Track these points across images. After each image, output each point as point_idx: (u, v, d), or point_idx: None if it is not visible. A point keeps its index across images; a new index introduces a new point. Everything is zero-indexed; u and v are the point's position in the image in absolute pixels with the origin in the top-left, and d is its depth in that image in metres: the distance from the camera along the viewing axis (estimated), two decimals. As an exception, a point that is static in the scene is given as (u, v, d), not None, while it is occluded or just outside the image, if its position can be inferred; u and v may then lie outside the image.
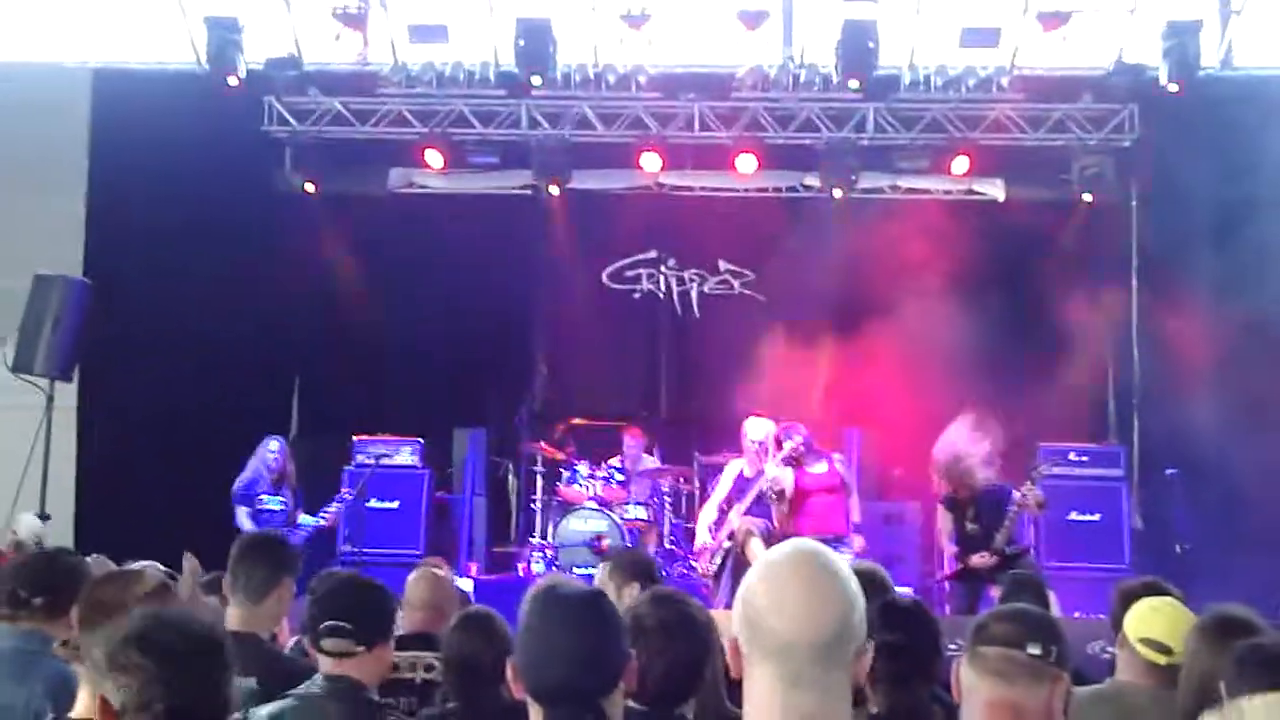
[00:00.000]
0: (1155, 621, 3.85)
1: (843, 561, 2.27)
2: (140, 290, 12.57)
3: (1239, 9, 12.63)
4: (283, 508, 10.76)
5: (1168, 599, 4.12)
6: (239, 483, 10.88)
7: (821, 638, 2.16)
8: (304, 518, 10.90)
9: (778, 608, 2.18)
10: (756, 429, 10.03)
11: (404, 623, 5.09)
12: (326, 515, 10.92)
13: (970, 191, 13.39)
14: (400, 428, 12.30)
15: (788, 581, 2.20)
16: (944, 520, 9.60)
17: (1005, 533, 9.10)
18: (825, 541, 8.68)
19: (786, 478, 9.72)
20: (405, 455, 12.18)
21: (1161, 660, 3.81)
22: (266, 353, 12.77)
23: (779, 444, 9.79)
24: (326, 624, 3.73)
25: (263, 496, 10.76)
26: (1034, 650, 2.70)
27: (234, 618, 4.45)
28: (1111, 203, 13.09)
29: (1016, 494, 9.23)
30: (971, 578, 9.16)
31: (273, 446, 11.03)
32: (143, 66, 13.55)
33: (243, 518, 10.66)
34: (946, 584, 9.81)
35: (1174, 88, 12.12)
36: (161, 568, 4.98)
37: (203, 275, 12.43)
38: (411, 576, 5.30)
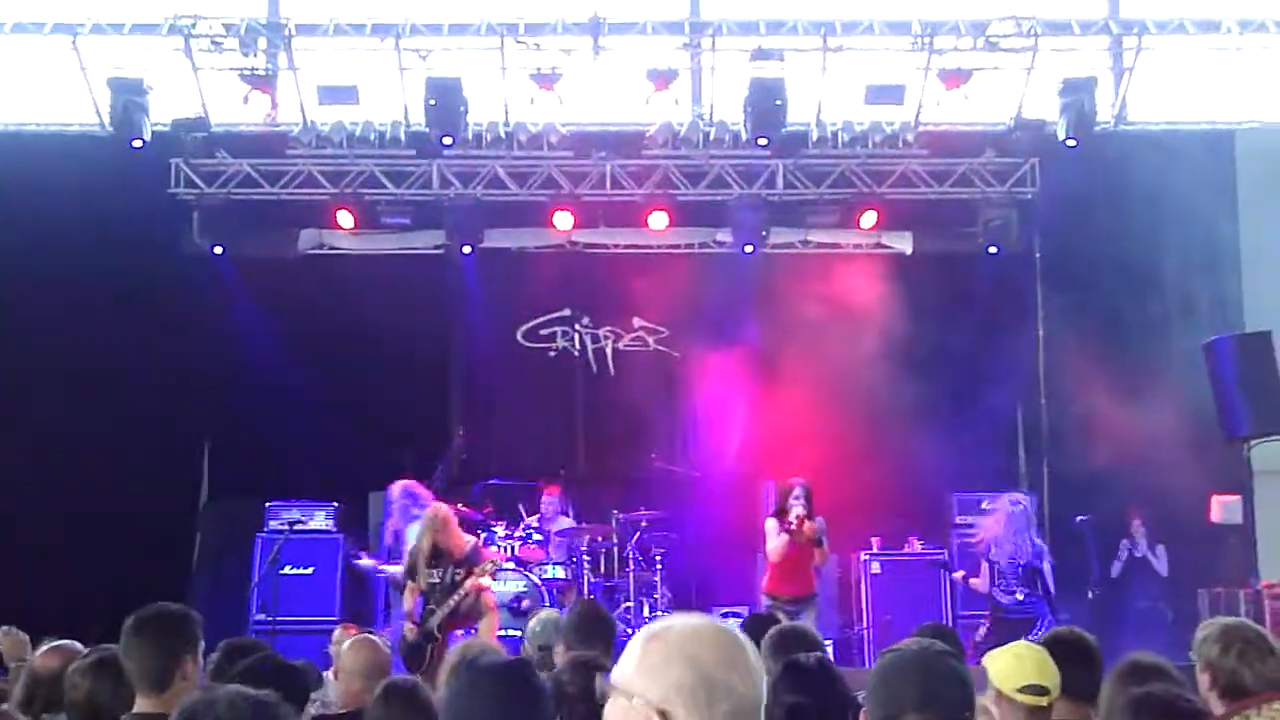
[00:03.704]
0: (1025, 668, 3.88)
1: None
2: (45, 356, 12.31)
3: (1131, 66, 13.02)
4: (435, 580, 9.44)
5: (1022, 643, 4.17)
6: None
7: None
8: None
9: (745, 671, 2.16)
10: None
11: (340, 695, 4.97)
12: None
13: (879, 245, 13.61)
14: (314, 492, 12.14)
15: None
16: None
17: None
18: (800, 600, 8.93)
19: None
20: (320, 520, 12.02)
21: (1044, 701, 3.86)
22: (176, 418, 12.56)
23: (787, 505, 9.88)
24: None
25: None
26: None
27: (140, 704, 4.14)
28: (1016, 254, 13.38)
29: None
30: None
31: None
32: (43, 128, 13.33)
33: (408, 598, 9.51)
34: None
35: (1072, 142, 12.45)
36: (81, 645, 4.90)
37: (110, 341, 12.21)
38: (347, 644, 5.16)
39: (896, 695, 2.69)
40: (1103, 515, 11.68)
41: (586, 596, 10.55)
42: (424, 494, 10.54)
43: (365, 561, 10.53)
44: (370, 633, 5.53)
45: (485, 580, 9.52)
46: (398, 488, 10.51)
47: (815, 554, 10.01)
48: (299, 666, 4.01)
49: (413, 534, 10.15)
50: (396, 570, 10.26)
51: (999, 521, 10.19)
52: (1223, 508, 11.11)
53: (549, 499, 12.10)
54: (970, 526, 12.05)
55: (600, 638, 4.77)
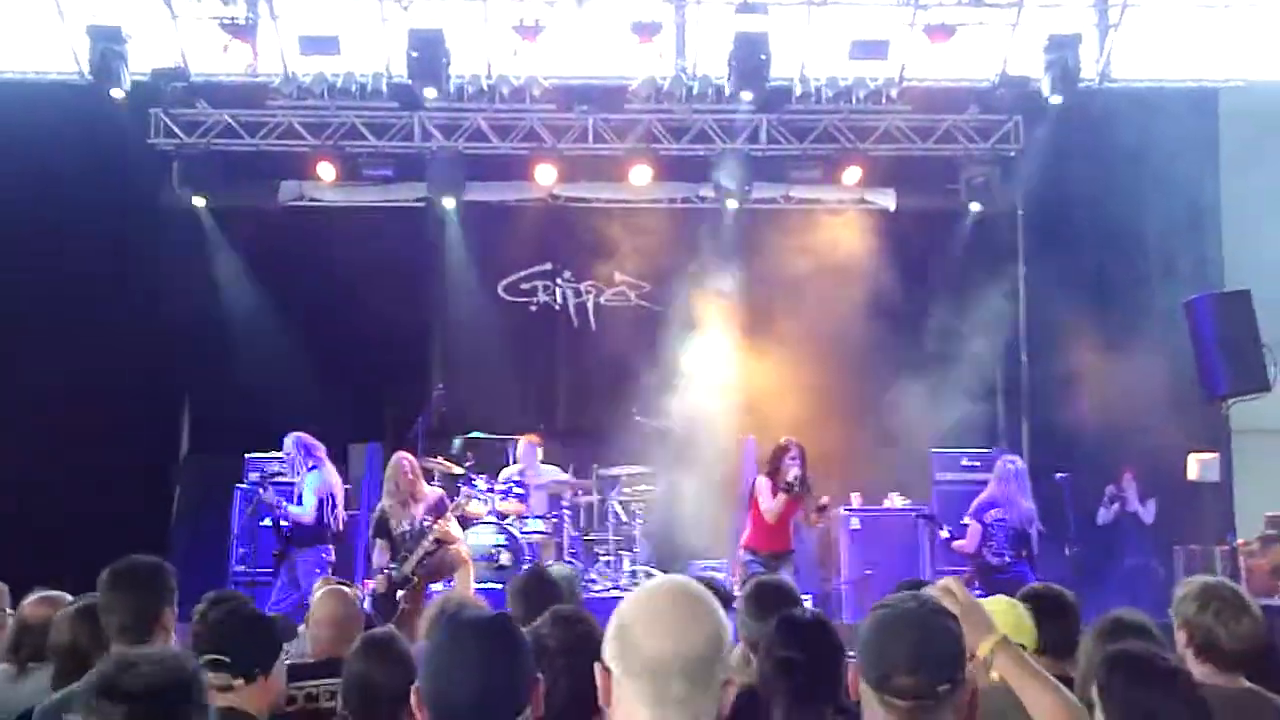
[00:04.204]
0: (1002, 624, 3.89)
1: (711, 595, 2.34)
2: (21, 307, 12.22)
3: (1116, 23, 12.98)
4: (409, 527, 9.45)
5: (998, 597, 4.20)
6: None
7: (692, 656, 2.22)
8: None
9: (649, 627, 2.24)
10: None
11: (311, 645, 4.98)
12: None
13: (862, 201, 13.59)
14: (294, 444, 12.09)
15: (660, 603, 2.28)
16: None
17: None
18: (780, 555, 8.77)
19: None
20: (299, 472, 11.98)
21: None
22: (155, 370, 12.47)
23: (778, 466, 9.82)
24: (204, 658, 3.67)
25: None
26: (944, 689, 2.68)
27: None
28: (998, 211, 13.40)
29: None
30: None
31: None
32: (19, 76, 13.17)
33: (379, 554, 9.50)
34: None
35: (1056, 99, 12.43)
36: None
37: (88, 292, 12.12)
38: (316, 596, 5.17)
39: (888, 654, 2.67)
40: (1081, 473, 11.73)
41: (537, 561, 10.52)
42: (316, 444, 10.42)
43: (268, 495, 10.25)
44: (344, 584, 5.53)
45: (455, 529, 9.56)
46: (290, 440, 10.36)
47: (814, 518, 10.00)
48: (273, 617, 4.01)
49: (310, 484, 10.07)
50: (299, 512, 10.10)
51: (998, 483, 10.17)
52: (1200, 466, 11.16)
53: (528, 446, 12.09)
54: (949, 483, 12.14)
55: (544, 603, 4.72)
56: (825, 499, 9.89)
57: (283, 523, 9.96)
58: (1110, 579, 11.23)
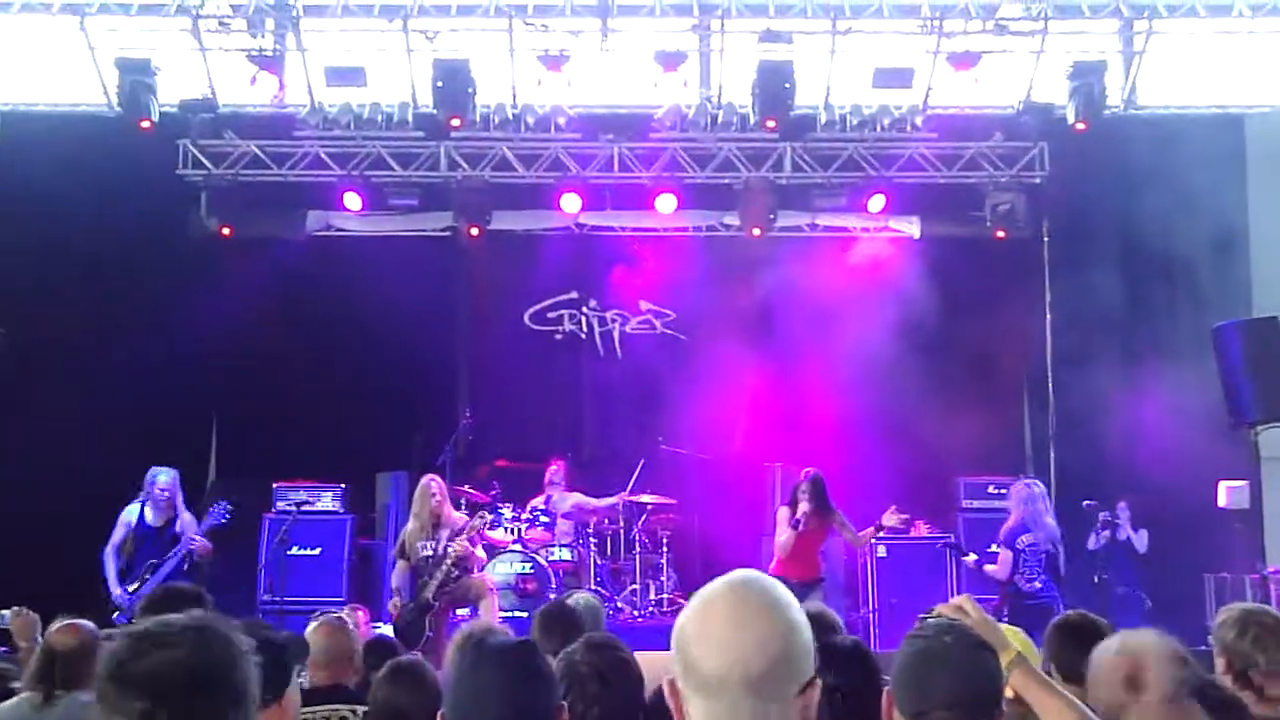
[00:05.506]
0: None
1: (782, 591, 2.15)
2: (51, 336, 12.32)
3: (1141, 50, 12.96)
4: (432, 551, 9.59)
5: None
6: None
7: (753, 671, 2.04)
8: None
9: (707, 642, 2.07)
10: None
11: (309, 675, 4.99)
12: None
13: (886, 229, 13.58)
14: (321, 473, 12.15)
15: (717, 614, 2.10)
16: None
17: None
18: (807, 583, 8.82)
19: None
20: (327, 501, 12.06)
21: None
22: (182, 398, 12.54)
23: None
24: None
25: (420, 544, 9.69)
26: None
27: None
28: (1023, 238, 13.36)
29: None
30: None
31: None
32: (50, 108, 13.32)
33: (397, 575, 9.78)
34: None
35: (1081, 126, 12.41)
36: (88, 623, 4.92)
37: (117, 321, 12.22)
38: (310, 627, 5.18)
39: (925, 689, 2.65)
40: (1109, 500, 11.65)
41: (555, 598, 10.51)
42: None
43: (199, 544, 10.13)
44: (333, 613, 5.57)
45: (479, 552, 9.65)
46: (172, 476, 10.25)
47: (862, 537, 10.06)
48: (284, 638, 3.98)
49: (190, 523, 10.03)
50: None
51: (1024, 507, 10.03)
52: (1230, 493, 11.08)
53: (555, 467, 12.11)
54: (976, 510, 12.09)
55: (568, 633, 4.71)
56: (895, 518, 9.88)
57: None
58: (1095, 607, 11.07)
